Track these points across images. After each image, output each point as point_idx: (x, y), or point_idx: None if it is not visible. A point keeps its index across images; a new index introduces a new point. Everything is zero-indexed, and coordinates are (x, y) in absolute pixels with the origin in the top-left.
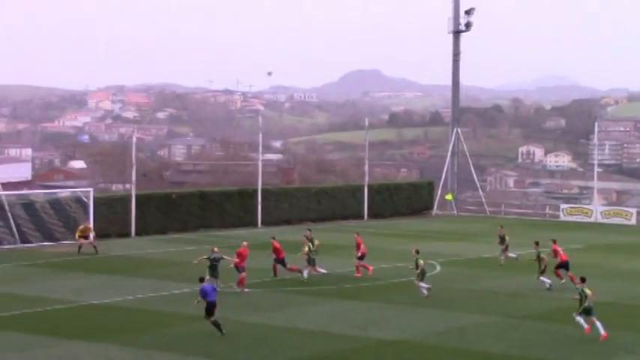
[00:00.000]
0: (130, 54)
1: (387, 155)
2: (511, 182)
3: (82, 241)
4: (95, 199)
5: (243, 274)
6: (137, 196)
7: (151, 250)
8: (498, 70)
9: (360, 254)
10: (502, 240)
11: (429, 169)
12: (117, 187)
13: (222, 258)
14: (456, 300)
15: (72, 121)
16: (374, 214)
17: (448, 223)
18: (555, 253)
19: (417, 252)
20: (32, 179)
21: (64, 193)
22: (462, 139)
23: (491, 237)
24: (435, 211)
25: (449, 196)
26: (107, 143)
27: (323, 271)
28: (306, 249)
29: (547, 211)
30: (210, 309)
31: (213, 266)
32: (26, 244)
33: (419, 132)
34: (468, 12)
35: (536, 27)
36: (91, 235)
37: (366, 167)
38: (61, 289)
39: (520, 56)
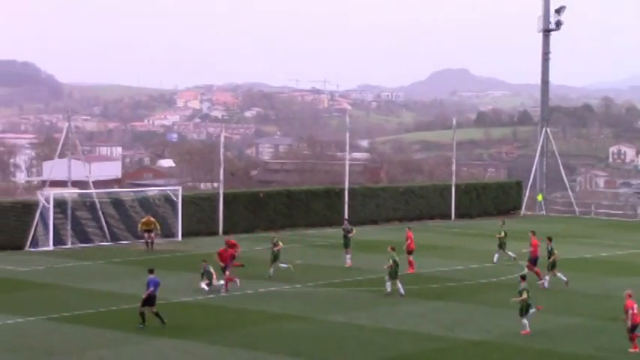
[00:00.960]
0: (218, 54)
1: (474, 155)
2: (601, 182)
3: (145, 236)
4: (183, 198)
5: (227, 273)
6: (225, 195)
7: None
8: (589, 69)
9: (409, 250)
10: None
11: (517, 169)
12: (205, 186)
13: (211, 272)
14: (543, 301)
15: (161, 120)
16: (461, 214)
17: (536, 224)
18: (534, 246)
19: (393, 249)
20: (122, 177)
21: (153, 192)
22: (551, 139)
23: (582, 238)
24: (523, 211)
25: (540, 197)
26: (195, 142)
27: (285, 265)
28: (281, 245)
29: (638, 211)
30: (149, 300)
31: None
32: (116, 242)
33: (507, 131)
34: (558, 11)
35: (628, 25)
36: (156, 229)
37: (454, 167)
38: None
39: (611, 55)
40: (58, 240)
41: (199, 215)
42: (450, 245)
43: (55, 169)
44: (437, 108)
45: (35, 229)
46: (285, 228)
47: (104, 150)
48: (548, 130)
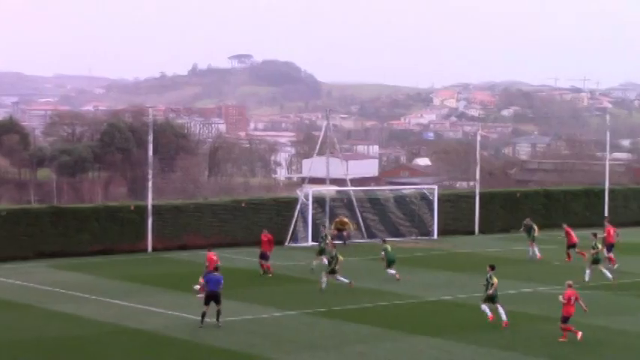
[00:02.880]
0: (475, 52)
1: None
2: None
3: (335, 232)
4: (440, 196)
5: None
6: (481, 194)
7: (494, 248)
8: None
9: (570, 243)
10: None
11: None
12: (461, 185)
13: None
14: None
15: (417, 118)
16: None
17: None
18: (567, 234)
19: (334, 246)
20: (379, 176)
21: (409, 190)
22: None
23: None
24: None
25: None
26: (452, 141)
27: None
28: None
29: None
30: (209, 298)
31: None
32: (372, 239)
33: None
34: None
35: None
36: (349, 229)
37: None
38: (407, 284)
39: None
40: (316, 236)
41: (456, 214)
42: None
43: (314, 166)
44: None
45: (295, 225)
46: (542, 228)
47: (361, 148)
48: None
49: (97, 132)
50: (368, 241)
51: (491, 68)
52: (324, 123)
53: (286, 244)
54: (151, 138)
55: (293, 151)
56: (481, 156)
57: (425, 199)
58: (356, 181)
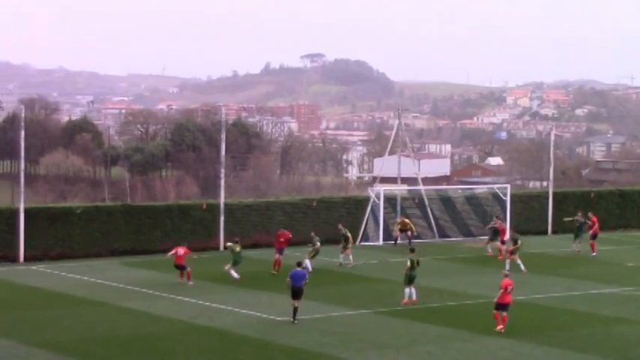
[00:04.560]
0: (548, 51)
1: None
2: None
3: (398, 233)
4: (512, 196)
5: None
6: (554, 194)
7: (567, 248)
8: None
9: (593, 232)
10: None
11: None
12: (534, 185)
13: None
14: None
15: (490, 117)
16: None
17: None
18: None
19: (237, 242)
20: (451, 175)
21: (481, 190)
22: None
23: None
24: None
25: None
26: (524, 140)
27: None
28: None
29: None
30: (295, 293)
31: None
32: (443, 239)
33: None
34: None
35: None
36: (411, 229)
37: None
38: (478, 284)
39: None
40: (388, 235)
41: (528, 214)
42: None
43: (385, 165)
44: None
45: (366, 225)
46: (617, 229)
47: (433, 147)
48: None
49: (170, 131)
50: (439, 240)
51: (565, 67)
52: (396, 122)
53: (357, 243)
54: (223, 137)
55: (364, 150)
56: (555, 155)
57: (497, 198)
58: (428, 181)
